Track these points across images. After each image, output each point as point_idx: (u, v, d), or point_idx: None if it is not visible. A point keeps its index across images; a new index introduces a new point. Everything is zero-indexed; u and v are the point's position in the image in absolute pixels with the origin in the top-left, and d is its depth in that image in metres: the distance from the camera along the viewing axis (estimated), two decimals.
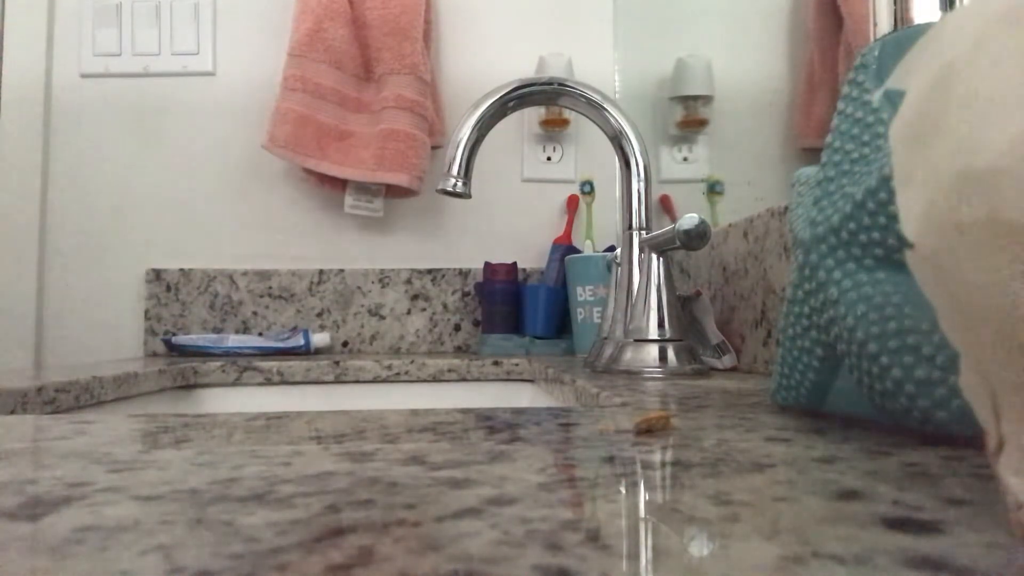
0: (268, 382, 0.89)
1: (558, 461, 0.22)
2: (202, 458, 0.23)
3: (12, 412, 0.53)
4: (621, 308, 0.71)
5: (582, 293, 1.04)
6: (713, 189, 0.87)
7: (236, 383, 0.89)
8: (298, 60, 1.15)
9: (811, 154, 0.62)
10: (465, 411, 0.35)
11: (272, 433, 0.28)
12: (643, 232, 0.73)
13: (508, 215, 1.27)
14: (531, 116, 1.26)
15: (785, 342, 0.32)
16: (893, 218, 0.26)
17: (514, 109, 0.72)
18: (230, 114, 1.25)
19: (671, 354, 0.61)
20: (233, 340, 1.09)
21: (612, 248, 1.12)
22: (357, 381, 0.91)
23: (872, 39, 0.46)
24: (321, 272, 1.23)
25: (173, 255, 1.24)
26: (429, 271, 1.24)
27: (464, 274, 1.24)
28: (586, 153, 1.29)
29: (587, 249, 1.18)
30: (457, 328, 1.23)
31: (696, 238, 0.57)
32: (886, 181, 0.26)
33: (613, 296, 0.77)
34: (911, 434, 0.26)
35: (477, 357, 0.97)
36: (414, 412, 0.35)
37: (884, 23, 0.46)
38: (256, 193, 1.25)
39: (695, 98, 0.98)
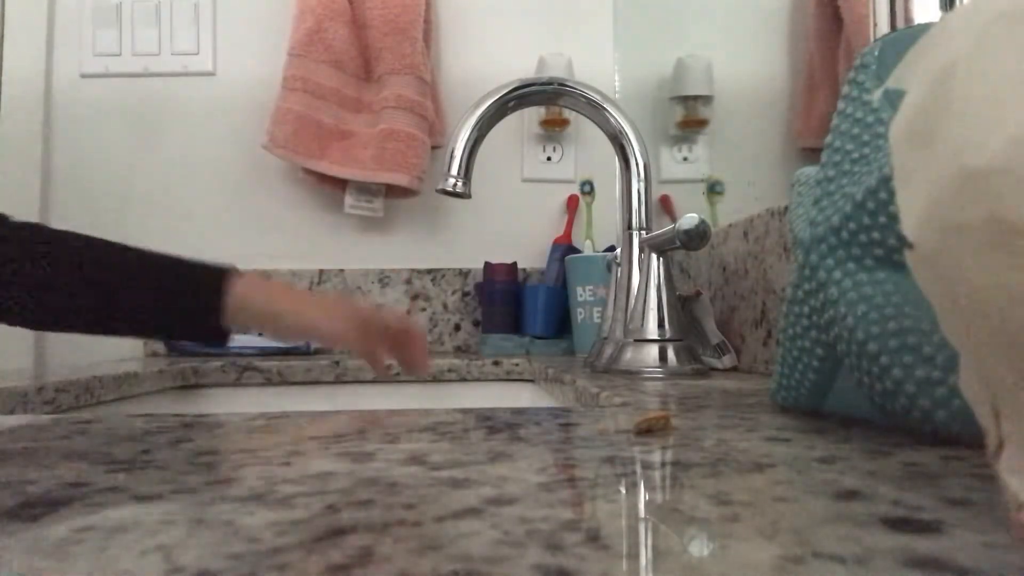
0: (268, 382, 0.89)
1: (558, 461, 0.22)
2: (202, 458, 0.23)
3: (12, 412, 0.53)
4: (621, 308, 0.71)
5: (582, 293, 1.04)
6: (713, 189, 0.87)
7: (236, 383, 0.89)
8: (298, 60, 1.15)
9: (811, 154, 0.62)
10: (465, 411, 0.35)
11: (272, 433, 0.28)
12: (643, 232, 0.73)
13: (508, 215, 1.27)
14: (531, 116, 1.26)
15: (785, 342, 0.32)
16: (893, 218, 0.26)
17: (514, 109, 0.72)
18: (230, 114, 1.25)
19: (671, 354, 0.61)
20: (233, 340, 1.09)
21: (612, 248, 1.12)
22: (357, 381, 0.91)
23: (872, 39, 0.46)
24: (321, 272, 1.23)
25: None
26: (429, 271, 1.24)
27: (464, 274, 1.24)
28: (586, 153, 1.28)
29: (587, 249, 1.18)
30: (457, 328, 1.23)
31: (696, 238, 0.57)
32: (886, 181, 0.26)
33: (613, 296, 0.77)
34: (911, 434, 0.26)
35: (477, 357, 0.97)
36: (414, 412, 0.35)
37: (884, 23, 0.46)
38: (256, 193, 1.25)
39: (695, 98, 0.98)
